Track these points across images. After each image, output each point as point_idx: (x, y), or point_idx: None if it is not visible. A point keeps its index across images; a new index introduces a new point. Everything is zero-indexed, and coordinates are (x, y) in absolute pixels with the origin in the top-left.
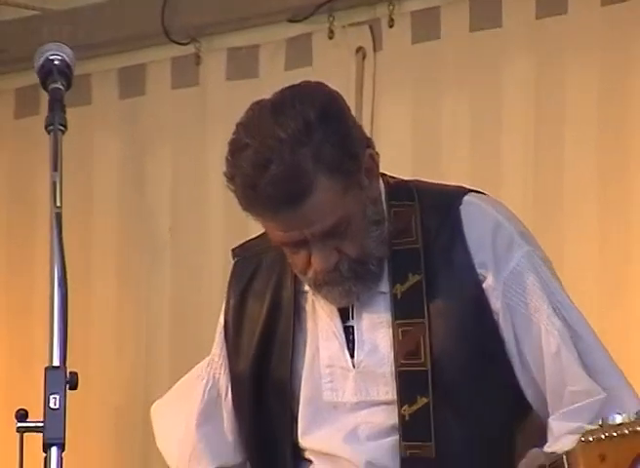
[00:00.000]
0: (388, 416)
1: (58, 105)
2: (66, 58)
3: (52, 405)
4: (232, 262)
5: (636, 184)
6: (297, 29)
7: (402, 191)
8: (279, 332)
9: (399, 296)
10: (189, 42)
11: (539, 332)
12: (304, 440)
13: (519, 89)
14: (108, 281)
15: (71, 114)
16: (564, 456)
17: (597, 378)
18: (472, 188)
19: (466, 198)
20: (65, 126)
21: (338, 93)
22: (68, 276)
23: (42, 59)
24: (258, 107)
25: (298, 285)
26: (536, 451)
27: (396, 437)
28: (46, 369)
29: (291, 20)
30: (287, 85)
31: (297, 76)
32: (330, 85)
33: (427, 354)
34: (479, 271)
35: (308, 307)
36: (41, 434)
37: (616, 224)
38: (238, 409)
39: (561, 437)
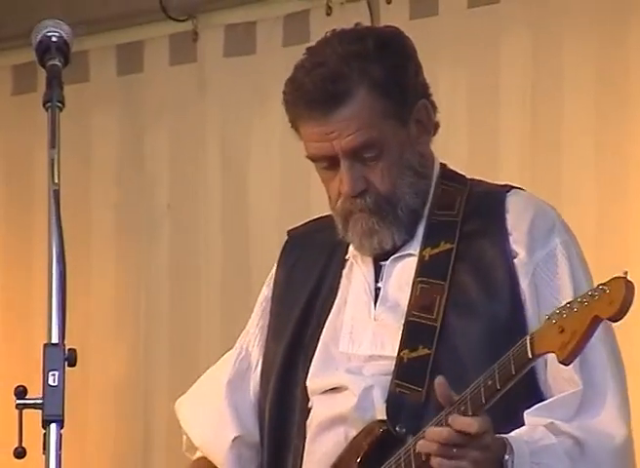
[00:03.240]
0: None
1: (55, 82)
2: (64, 35)
3: (51, 381)
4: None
5: (634, 160)
6: (294, 6)
7: (457, 177)
8: (318, 307)
9: (426, 258)
10: (187, 19)
11: None
12: (311, 381)
13: (517, 65)
14: (107, 258)
15: (69, 91)
16: (527, 338)
17: (584, 370)
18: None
19: (516, 190)
20: (63, 103)
21: (410, 42)
22: (67, 253)
23: (40, 36)
24: (330, 34)
25: (343, 258)
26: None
27: None
28: (44, 345)
29: None
30: (284, 62)
31: (294, 53)
32: None
33: (440, 312)
34: (512, 247)
35: (346, 271)
36: (40, 411)
37: (614, 203)
38: (265, 376)
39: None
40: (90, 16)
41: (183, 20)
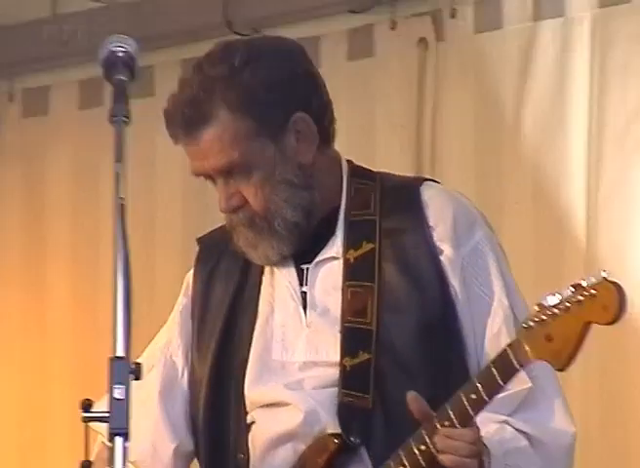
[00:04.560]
0: (334, 373)
1: (121, 97)
2: (130, 50)
3: (116, 395)
4: (197, 249)
5: None
6: (358, 20)
7: (365, 173)
8: (241, 316)
9: (351, 261)
10: (251, 33)
11: (488, 311)
12: (250, 392)
13: (583, 78)
14: (172, 271)
15: (135, 106)
16: (507, 348)
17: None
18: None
19: (428, 182)
20: (129, 117)
21: (290, 51)
22: (132, 267)
23: (106, 51)
24: (207, 52)
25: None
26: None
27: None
28: (110, 359)
29: (352, 11)
30: (348, 76)
31: (358, 67)
32: (392, 76)
33: (374, 314)
34: (437, 244)
35: (267, 276)
36: (106, 424)
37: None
38: (194, 387)
39: (486, 424)
40: (156, 31)
41: (248, 35)
